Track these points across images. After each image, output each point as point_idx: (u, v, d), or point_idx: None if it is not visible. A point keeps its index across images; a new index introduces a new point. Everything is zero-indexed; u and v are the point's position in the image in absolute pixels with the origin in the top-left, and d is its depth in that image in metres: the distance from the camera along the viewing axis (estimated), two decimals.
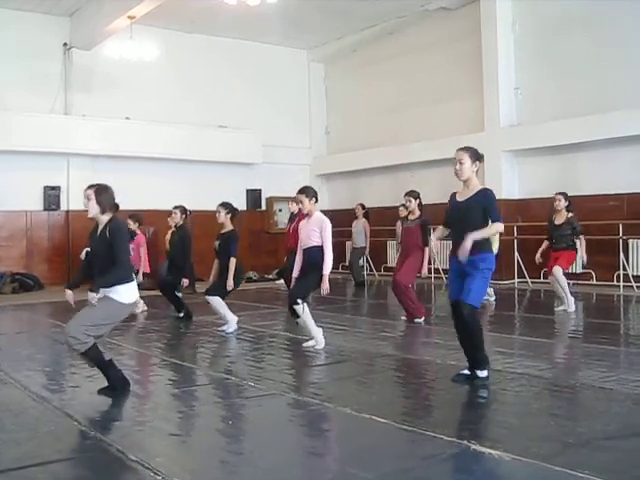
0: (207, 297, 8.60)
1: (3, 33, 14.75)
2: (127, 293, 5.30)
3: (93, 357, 5.29)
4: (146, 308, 10.80)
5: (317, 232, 7.21)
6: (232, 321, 8.69)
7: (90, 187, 5.41)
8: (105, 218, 5.37)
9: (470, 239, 5.34)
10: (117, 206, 5.47)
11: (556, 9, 13.77)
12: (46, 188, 15.31)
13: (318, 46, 18.70)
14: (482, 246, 5.46)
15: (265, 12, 13.95)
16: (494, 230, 5.51)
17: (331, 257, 7.19)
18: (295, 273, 7.52)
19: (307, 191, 7.34)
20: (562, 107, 13.48)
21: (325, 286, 7.13)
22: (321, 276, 7.15)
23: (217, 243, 8.70)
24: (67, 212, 15.49)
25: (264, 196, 18.26)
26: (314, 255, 7.21)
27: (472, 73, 15.03)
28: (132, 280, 5.42)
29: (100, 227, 5.38)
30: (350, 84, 18.65)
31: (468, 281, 5.47)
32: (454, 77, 15.66)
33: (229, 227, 8.73)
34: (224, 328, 8.63)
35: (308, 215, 7.40)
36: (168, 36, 16.43)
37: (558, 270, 9.68)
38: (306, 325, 7.31)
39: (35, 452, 4.07)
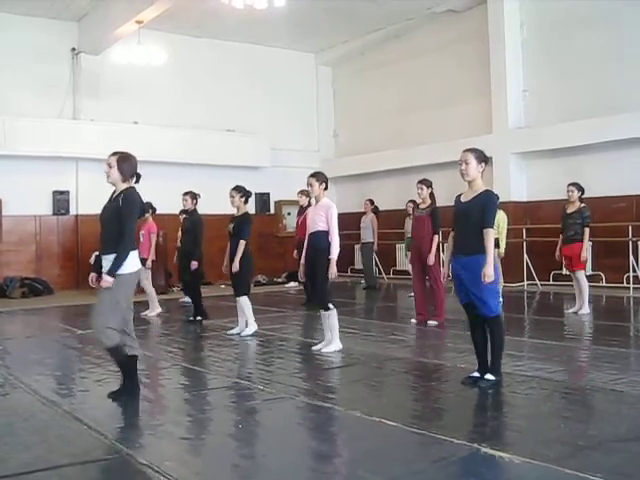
0: (237, 298, 8.64)
1: (12, 38, 14.82)
2: (131, 263, 5.25)
3: (116, 355, 5.31)
4: (160, 310, 10.74)
5: (323, 216, 7.21)
6: (252, 325, 8.67)
7: (113, 154, 5.44)
8: (123, 186, 5.37)
9: (490, 264, 5.35)
10: (139, 176, 5.49)
11: (564, 11, 13.73)
12: (55, 193, 15.36)
13: (325, 49, 18.73)
14: (475, 248, 5.46)
15: (272, 16, 13.96)
16: (491, 239, 5.47)
17: (337, 241, 7.18)
18: (302, 259, 7.58)
19: (318, 175, 7.35)
20: (570, 109, 13.43)
21: (333, 270, 7.12)
22: (328, 260, 7.13)
23: (231, 226, 8.73)
24: (76, 216, 15.53)
25: (272, 200, 18.30)
26: (319, 239, 7.21)
27: (480, 75, 15.02)
28: (134, 249, 5.34)
29: (115, 194, 5.40)
30: (358, 87, 18.65)
31: (477, 294, 5.46)
32: (462, 79, 15.65)
33: (243, 210, 8.78)
34: (234, 331, 8.66)
35: (316, 200, 7.42)
36: (176, 40, 16.45)
37: (581, 274, 9.86)
38: (329, 327, 7.33)
39: (45, 456, 4.08)
